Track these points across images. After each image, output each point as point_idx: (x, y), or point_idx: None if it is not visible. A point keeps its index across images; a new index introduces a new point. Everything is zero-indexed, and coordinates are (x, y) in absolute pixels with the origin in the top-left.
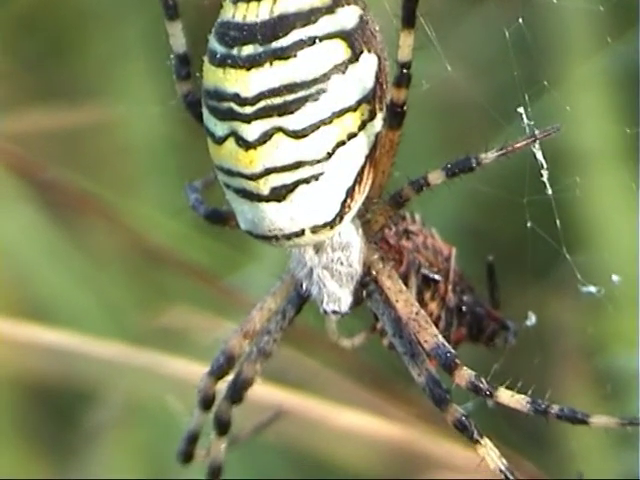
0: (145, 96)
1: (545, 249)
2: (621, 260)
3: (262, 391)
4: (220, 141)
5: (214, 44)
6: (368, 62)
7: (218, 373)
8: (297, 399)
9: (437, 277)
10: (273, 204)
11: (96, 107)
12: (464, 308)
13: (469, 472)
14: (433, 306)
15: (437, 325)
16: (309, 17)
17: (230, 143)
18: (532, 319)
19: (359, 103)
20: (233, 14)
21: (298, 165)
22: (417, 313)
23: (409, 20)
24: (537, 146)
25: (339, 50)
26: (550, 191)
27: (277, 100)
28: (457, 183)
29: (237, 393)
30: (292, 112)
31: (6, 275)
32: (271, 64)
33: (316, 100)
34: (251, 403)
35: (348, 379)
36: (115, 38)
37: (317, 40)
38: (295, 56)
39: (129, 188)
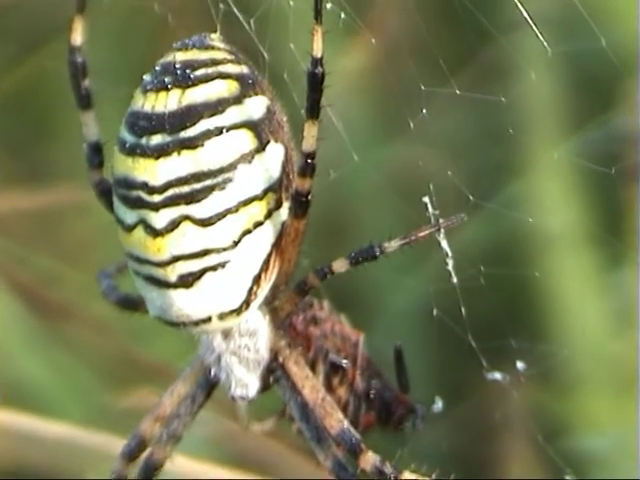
0: None
1: (453, 336)
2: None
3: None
4: (129, 229)
5: (124, 133)
6: (275, 152)
7: (129, 455)
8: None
9: (344, 363)
10: (181, 291)
11: (74, 188)
12: (372, 393)
13: None
14: (341, 391)
15: (345, 410)
16: (217, 107)
17: (139, 231)
18: (439, 404)
19: (265, 192)
20: (142, 104)
21: (205, 253)
22: (323, 399)
23: (313, 111)
24: (442, 235)
25: (246, 140)
26: (455, 279)
27: (184, 189)
28: None
29: (147, 475)
30: (199, 201)
31: None
32: (179, 153)
33: (223, 189)
34: None
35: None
36: None
37: (224, 130)
38: (202, 145)
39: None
